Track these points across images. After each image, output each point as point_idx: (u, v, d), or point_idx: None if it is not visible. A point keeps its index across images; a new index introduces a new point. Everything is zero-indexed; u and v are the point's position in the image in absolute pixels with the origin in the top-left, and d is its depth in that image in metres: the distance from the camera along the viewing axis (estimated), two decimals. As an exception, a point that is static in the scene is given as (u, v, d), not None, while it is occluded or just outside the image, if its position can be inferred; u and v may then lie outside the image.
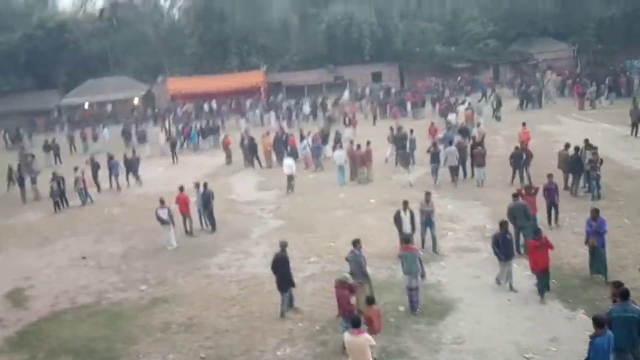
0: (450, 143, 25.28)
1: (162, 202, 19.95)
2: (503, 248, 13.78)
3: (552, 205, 17.91)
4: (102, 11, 68.17)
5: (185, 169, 32.83)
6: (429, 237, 17.11)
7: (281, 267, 13.96)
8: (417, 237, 16.59)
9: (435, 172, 24.48)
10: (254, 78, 60.36)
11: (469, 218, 19.75)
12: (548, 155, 26.35)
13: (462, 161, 24.50)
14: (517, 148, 22.18)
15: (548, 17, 61.14)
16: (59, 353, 13.09)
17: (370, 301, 11.31)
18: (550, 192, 17.80)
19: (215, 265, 17.76)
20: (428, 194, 17.32)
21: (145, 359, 12.62)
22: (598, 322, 9.23)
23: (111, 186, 29.46)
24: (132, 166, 30.41)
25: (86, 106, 61.87)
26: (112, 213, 25.26)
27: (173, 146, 35.45)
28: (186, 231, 20.92)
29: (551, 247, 13.27)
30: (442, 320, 12.85)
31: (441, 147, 25.06)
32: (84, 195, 26.82)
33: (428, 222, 16.89)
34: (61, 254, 20.29)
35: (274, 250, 18.26)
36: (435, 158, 24.50)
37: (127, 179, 30.12)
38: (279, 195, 25.48)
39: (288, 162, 26.39)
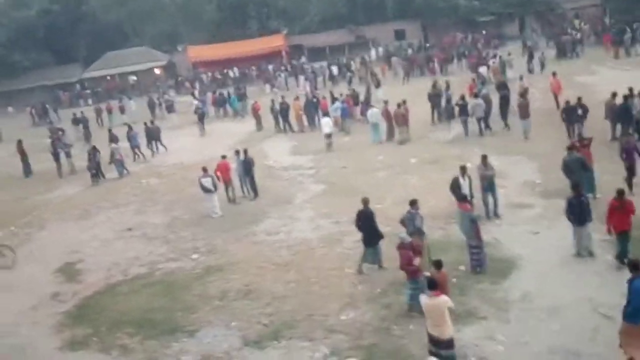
0: (476, 95, 25.26)
1: (204, 170, 19.78)
2: (578, 212, 12.66)
3: (631, 167, 16.13)
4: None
5: (216, 137, 32.67)
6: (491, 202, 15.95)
7: (366, 222, 13.89)
8: (477, 203, 15.63)
9: (464, 123, 24.72)
10: (275, 42, 59.74)
11: (516, 173, 19.27)
12: (589, 106, 25.73)
13: (487, 113, 24.57)
14: (567, 102, 21.08)
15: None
16: (120, 325, 13.05)
17: (438, 265, 11.01)
18: (629, 153, 16.08)
19: (263, 232, 17.61)
20: (485, 157, 15.87)
21: (207, 327, 12.52)
22: (634, 265, 9.41)
23: (135, 157, 29.61)
24: (152, 135, 30.53)
25: (108, 78, 61.84)
26: (149, 184, 25.20)
27: (201, 118, 34.50)
28: (228, 198, 20.76)
29: (632, 210, 12.13)
30: (505, 279, 12.57)
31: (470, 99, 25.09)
32: (121, 167, 26.74)
33: (490, 187, 15.64)
34: (105, 226, 20.28)
35: (318, 215, 18.36)
36: (464, 110, 24.61)
37: (150, 147, 30.26)
38: (315, 159, 25.21)
39: (326, 120, 26.84)
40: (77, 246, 18.58)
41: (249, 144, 29.17)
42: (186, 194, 22.45)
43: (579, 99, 21.54)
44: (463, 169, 15.38)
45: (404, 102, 25.64)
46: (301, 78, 44.48)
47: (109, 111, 41.04)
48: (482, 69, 35.03)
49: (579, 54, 42.12)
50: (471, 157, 21.62)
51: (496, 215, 15.77)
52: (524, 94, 23.80)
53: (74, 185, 26.63)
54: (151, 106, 41.97)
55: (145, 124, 31.79)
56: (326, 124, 26.55)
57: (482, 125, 24.54)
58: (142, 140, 30.23)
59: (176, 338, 12.26)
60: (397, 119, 25.41)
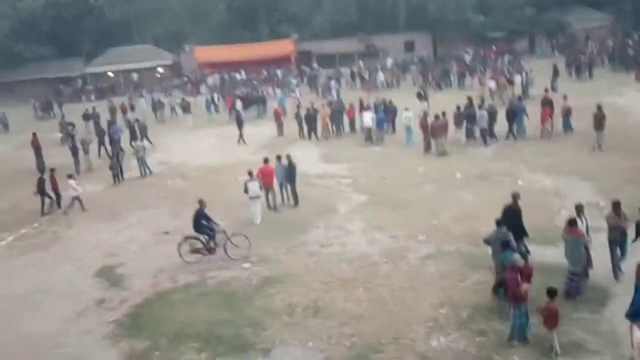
0: (481, 107, 26.85)
1: (250, 174, 18.86)
2: None
3: None
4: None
5: (237, 140, 31.62)
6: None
7: (513, 219, 13.33)
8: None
9: (469, 130, 26.24)
10: (284, 47, 58.86)
11: (574, 193, 18.40)
12: (627, 125, 25.51)
13: (491, 123, 26.00)
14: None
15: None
16: (183, 339, 12.03)
17: (552, 293, 10.19)
18: None
19: (314, 242, 16.66)
20: (617, 204, 13.11)
21: (281, 346, 11.56)
22: None
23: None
24: (140, 131, 30.99)
25: (110, 74, 60.58)
26: (176, 186, 24.14)
27: (240, 124, 31.35)
28: (269, 205, 19.80)
29: None
30: (604, 308, 11.78)
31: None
32: (144, 165, 25.68)
33: (621, 240, 13.02)
34: (139, 229, 19.20)
35: (370, 227, 17.50)
36: (471, 118, 26.03)
37: (131, 143, 29.52)
38: (349, 168, 24.37)
39: (368, 114, 28.07)
40: (113, 248, 17.51)
41: (273, 148, 28.26)
42: (220, 199, 21.36)
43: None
44: (579, 209, 13.30)
45: (444, 113, 24.95)
46: (332, 82, 43.16)
47: (124, 110, 39.45)
48: (491, 83, 35.46)
49: (592, 74, 41.65)
50: (520, 174, 21.08)
51: (619, 269, 13.11)
52: (600, 106, 23.46)
53: (95, 183, 25.40)
54: (155, 107, 40.81)
55: (129, 120, 33.15)
56: (369, 117, 28.07)
57: (485, 134, 25.67)
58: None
59: (249, 357, 11.31)
60: (435, 131, 24.66)
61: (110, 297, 14.35)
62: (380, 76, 45.98)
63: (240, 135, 30.92)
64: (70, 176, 22.17)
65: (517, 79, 35.58)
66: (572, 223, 12.46)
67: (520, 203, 14.06)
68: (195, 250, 16.01)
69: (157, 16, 66.59)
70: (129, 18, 65.01)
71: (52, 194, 21.81)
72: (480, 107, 26.54)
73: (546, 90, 28.21)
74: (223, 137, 33.10)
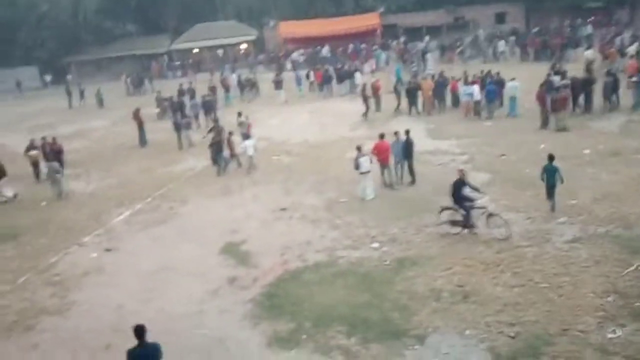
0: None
1: (359, 149, 18.22)
2: None
3: None
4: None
5: (332, 116, 30.96)
6: None
7: None
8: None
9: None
10: (369, 20, 57.46)
11: None
12: None
13: (576, 94, 24.92)
14: None
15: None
16: (328, 322, 11.43)
17: None
18: None
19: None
20: None
21: (435, 333, 10.80)
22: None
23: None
24: (208, 106, 31.89)
25: (195, 50, 61.03)
26: (282, 162, 23.63)
27: (366, 99, 29.95)
28: (384, 183, 19.03)
29: None
30: None
31: None
32: (247, 142, 25.31)
33: None
34: (255, 205, 18.73)
35: (500, 207, 16.34)
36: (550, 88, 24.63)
37: (207, 118, 30.85)
38: (461, 144, 23.17)
39: (475, 87, 27.13)
40: (233, 225, 17.08)
41: (373, 124, 27.54)
42: (330, 175, 20.83)
43: None
44: None
45: (566, 86, 23.35)
46: (427, 55, 41.92)
47: (227, 88, 39.04)
48: (588, 52, 33.87)
49: None
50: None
51: None
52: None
53: (199, 158, 25.15)
54: (243, 84, 40.47)
55: (202, 96, 33.67)
56: (476, 90, 26.92)
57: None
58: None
59: (404, 344, 10.58)
60: (556, 104, 23.11)
61: (240, 276, 13.91)
62: (502, 46, 44.34)
63: (367, 111, 29.80)
64: (246, 137, 23.23)
65: (631, 49, 33.13)
66: None
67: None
68: (453, 223, 14.94)
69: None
70: (212, -6, 65.14)
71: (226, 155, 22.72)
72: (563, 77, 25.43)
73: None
74: (317, 113, 32.56)
